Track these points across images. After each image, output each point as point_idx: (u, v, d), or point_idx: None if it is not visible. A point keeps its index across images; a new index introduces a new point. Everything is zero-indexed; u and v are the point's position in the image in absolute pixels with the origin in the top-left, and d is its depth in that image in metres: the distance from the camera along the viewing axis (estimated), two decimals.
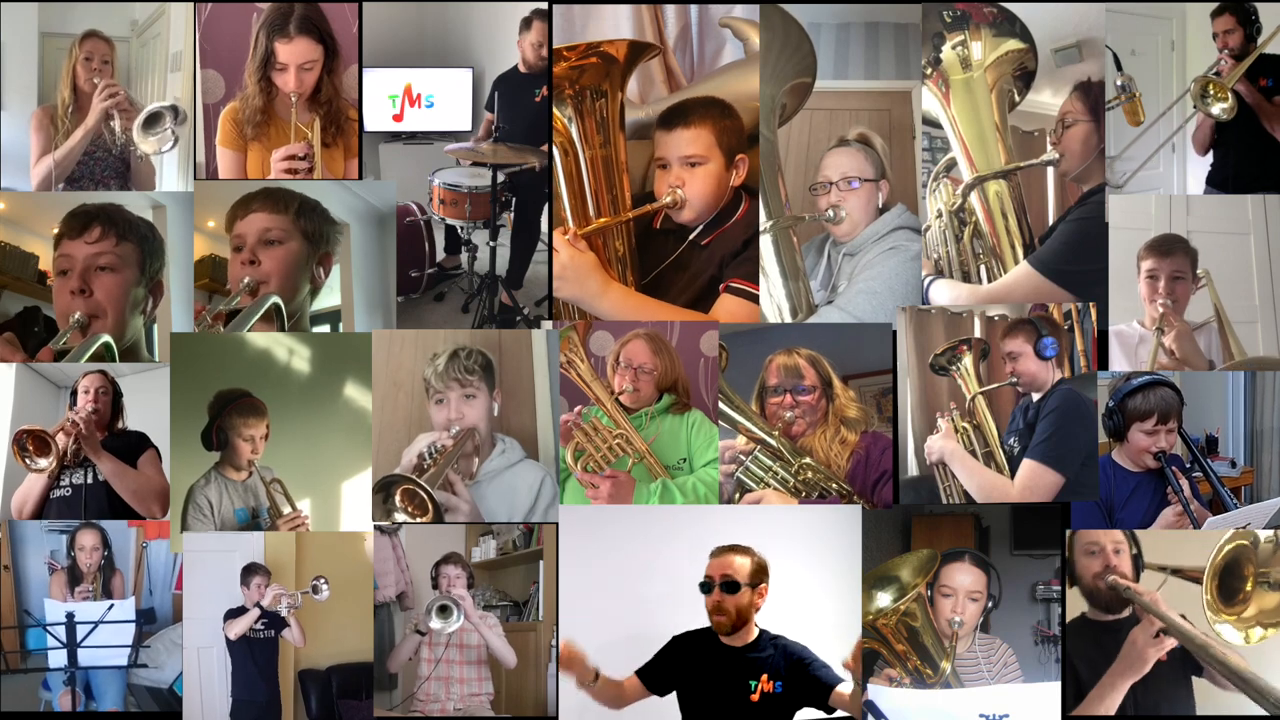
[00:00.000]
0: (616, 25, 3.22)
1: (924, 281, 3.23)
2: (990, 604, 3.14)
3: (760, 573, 2.98)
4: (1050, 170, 3.24)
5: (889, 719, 3.08)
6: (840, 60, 3.22)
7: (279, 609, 3.17)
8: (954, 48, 3.24)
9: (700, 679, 2.97)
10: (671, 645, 3.02)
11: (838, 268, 3.27)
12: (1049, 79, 3.24)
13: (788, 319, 3.20)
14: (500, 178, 3.30)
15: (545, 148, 3.21)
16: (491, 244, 3.33)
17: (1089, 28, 3.22)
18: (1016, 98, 3.25)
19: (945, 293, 3.24)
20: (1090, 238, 3.21)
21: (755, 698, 2.92)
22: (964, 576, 3.13)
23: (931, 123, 3.25)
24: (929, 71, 3.24)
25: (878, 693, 3.12)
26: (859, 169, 3.22)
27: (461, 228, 3.36)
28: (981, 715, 3.10)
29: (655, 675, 3.00)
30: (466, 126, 3.31)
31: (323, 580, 3.18)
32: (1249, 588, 3.06)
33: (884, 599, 3.13)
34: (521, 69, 3.27)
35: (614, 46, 3.14)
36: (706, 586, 2.97)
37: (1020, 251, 3.24)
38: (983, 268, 3.26)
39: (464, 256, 3.36)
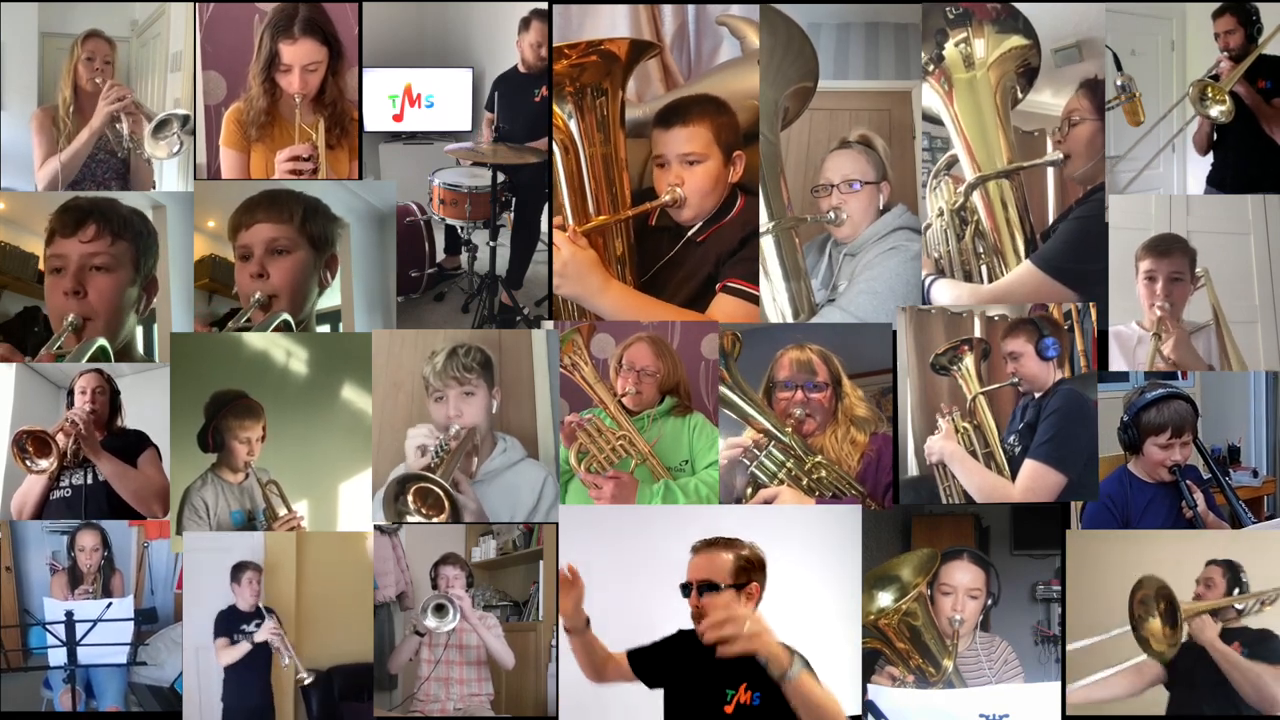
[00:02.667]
0: (613, 24, 3.22)
1: (924, 281, 3.23)
2: (990, 601, 3.13)
3: (748, 569, 2.70)
4: (1051, 169, 3.24)
5: (889, 719, 3.07)
6: (840, 60, 3.22)
7: (272, 642, 3.15)
8: (957, 45, 3.23)
9: (684, 680, 2.81)
10: (675, 638, 2.84)
11: (839, 268, 3.26)
12: (1049, 79, 3.23)
13: (789, 319, 3.20)
14: (500, 177, 3.31)
15: (545, 146, 3.21)
16: (491, 244, 3.33)
17: (1089, 28, 3.22)
18: (1019, 94, 3.25)
19: (946, 292, 3.23)
20: (1092, 235, 3.20)
21: (729, 709, 2.69)
22: (963, 574, 3.12)
23: (934, 120, 3.25)
24: (931, 69, 3.24)
25: (878, 692, 3.11)
26: (860, 171, 3.22)
27: (461, 228, 3.37)
28: (981, 715, 3.09)
29: (646, 662, 2.85)
30: (466, 126, 3.32)
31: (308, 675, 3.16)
32: None
33: (885, 599, 3.12)
34: (521, 69, 3.27)
35: (615, 45, 3.14)
36: (686, 590, 2.73)
37: (1023, 250, 3.23)
38: (984, 267, 3.25)
39: (464, 256, 3.36)
